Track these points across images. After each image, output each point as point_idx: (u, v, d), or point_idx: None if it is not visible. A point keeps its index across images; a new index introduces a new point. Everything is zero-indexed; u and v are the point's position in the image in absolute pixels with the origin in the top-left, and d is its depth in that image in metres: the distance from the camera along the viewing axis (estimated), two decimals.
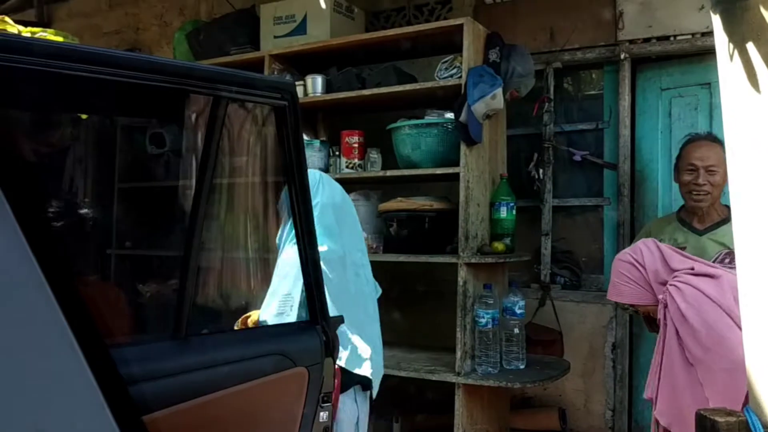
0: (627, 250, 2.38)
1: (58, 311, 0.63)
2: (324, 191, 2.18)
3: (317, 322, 1.63)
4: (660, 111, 3.52)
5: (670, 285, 2.14)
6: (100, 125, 3.87)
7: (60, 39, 2.87)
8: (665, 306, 2.15)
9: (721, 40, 0.86)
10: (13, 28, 2.40)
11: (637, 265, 2.27)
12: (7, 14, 4.70)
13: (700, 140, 2.65)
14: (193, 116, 1.90)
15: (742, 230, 0.85)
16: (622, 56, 3.48)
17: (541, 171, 3.66)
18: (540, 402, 3.69)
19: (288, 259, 2.02)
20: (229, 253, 2.46)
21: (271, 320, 1.93)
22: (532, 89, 3.37)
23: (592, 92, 3.75)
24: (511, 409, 3.58)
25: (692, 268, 2.15)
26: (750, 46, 0.80)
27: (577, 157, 3.63)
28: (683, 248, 2.48)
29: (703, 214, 2.62)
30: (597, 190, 3.66)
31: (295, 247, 1.68)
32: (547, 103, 3.65)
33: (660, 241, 2.52)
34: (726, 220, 2.59)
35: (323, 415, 1.61)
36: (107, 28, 5.01)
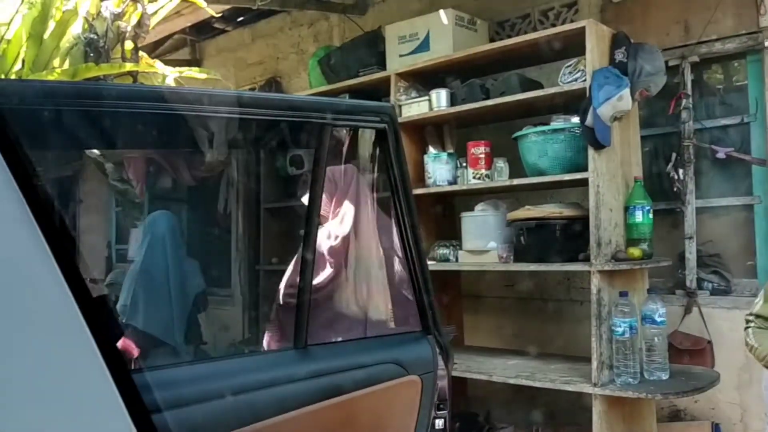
0: None
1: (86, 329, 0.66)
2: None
3: (430, 332, 1.68)
4: None
5: None
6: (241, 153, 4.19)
7: (204, 75, 3.16)
8: None
9: None
10: (158, 70, 2.68)
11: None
12: (164, 55, 5.22)
13: None
14: (309, 142, 2.03)
15: None
16: (767, 44, 3.24)
17: (681, 171, 3.47)
18: (691, 415, 3.48)
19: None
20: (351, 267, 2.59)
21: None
22: (668, 86, 3.22)
23: (735, 84, 3.51)
24: (660, 422, 3.41)
25: None
26: None
27: (721, 155, 3.41)
28: None
29: None
30: (745, 188, 3.41)
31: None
32: (684, 100, 3.46)
33: None
34: None
35: (439, 423, 1.66)
36: (251, 59, 5.39)
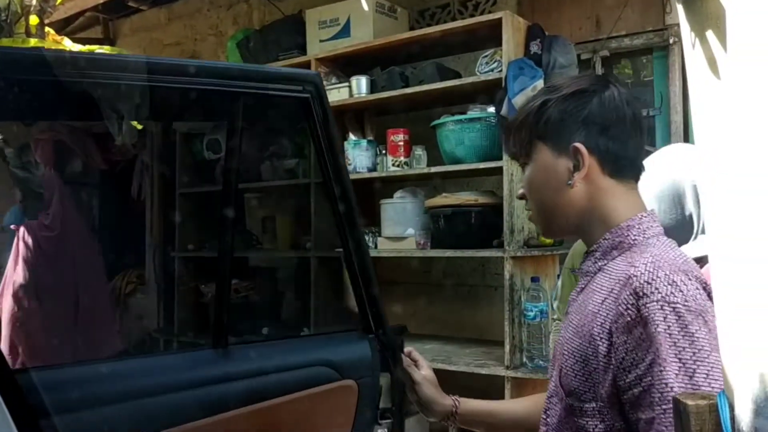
0: None
1: None
2: None
3: (371, 332, 1.55)
4: None
5: None
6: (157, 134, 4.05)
7: None
8: None
9: (684, 28, 0.87)
10: (66, 47, 2.56)
11: None
12: (75, 33, 4.98)
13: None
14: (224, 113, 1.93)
15: (715, 221, 0.85)
16: (671, 41, 3.40)
17: None
18: None
19: None
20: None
21: None
22: None
23: (643, 79, 3.67)
24: None
25: None
26: (709, 34, 0.81)
27: None
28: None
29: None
30: None
31: None
32: None
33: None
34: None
35: None
36: (167, 40, 5.23)
